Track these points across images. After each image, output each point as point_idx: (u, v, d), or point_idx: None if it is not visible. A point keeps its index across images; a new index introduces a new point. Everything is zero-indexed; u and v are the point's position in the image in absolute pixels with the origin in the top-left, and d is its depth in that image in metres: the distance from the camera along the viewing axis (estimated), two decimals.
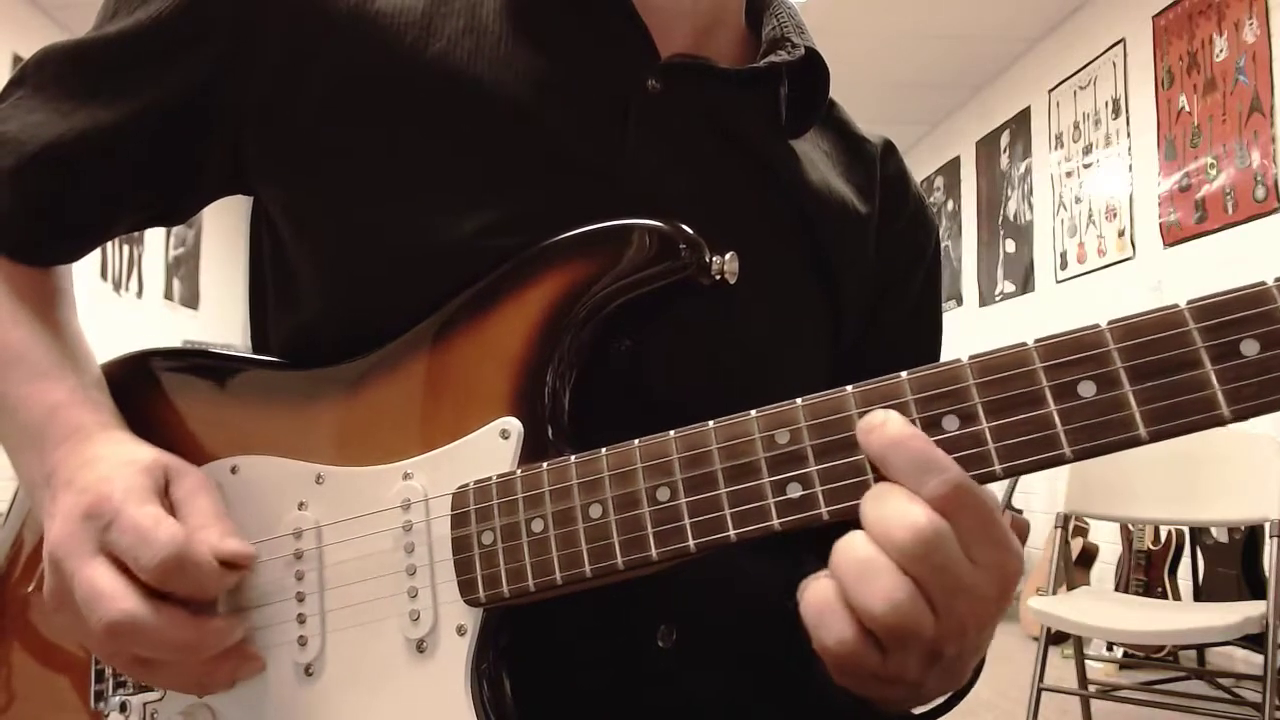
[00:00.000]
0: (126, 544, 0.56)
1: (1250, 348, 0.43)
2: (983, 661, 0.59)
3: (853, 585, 0.47)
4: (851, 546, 0.48)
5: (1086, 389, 0.46)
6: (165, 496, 0.60)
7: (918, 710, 0.60)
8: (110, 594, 0.55)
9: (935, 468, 0.47)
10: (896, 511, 0.47)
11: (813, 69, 0.72)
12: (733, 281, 0.59)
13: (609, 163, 0.66)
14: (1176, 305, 0.45)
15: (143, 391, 0.69)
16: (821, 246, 0.73)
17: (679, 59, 0.69)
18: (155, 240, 6.67)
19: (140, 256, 6.45)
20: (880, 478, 0.48)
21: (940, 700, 0.60)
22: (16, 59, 4.98)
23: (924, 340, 0.82)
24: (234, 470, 0.65)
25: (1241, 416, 0.44)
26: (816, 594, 0.49)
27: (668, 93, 0.68)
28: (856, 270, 0.75)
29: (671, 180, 0.67)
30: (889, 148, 0.81)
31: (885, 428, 0.48)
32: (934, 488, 0.47)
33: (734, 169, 0.71)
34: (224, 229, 7.63)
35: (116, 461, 0.61)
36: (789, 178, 0.73)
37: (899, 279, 0.79)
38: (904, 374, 0.49)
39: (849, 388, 0.50)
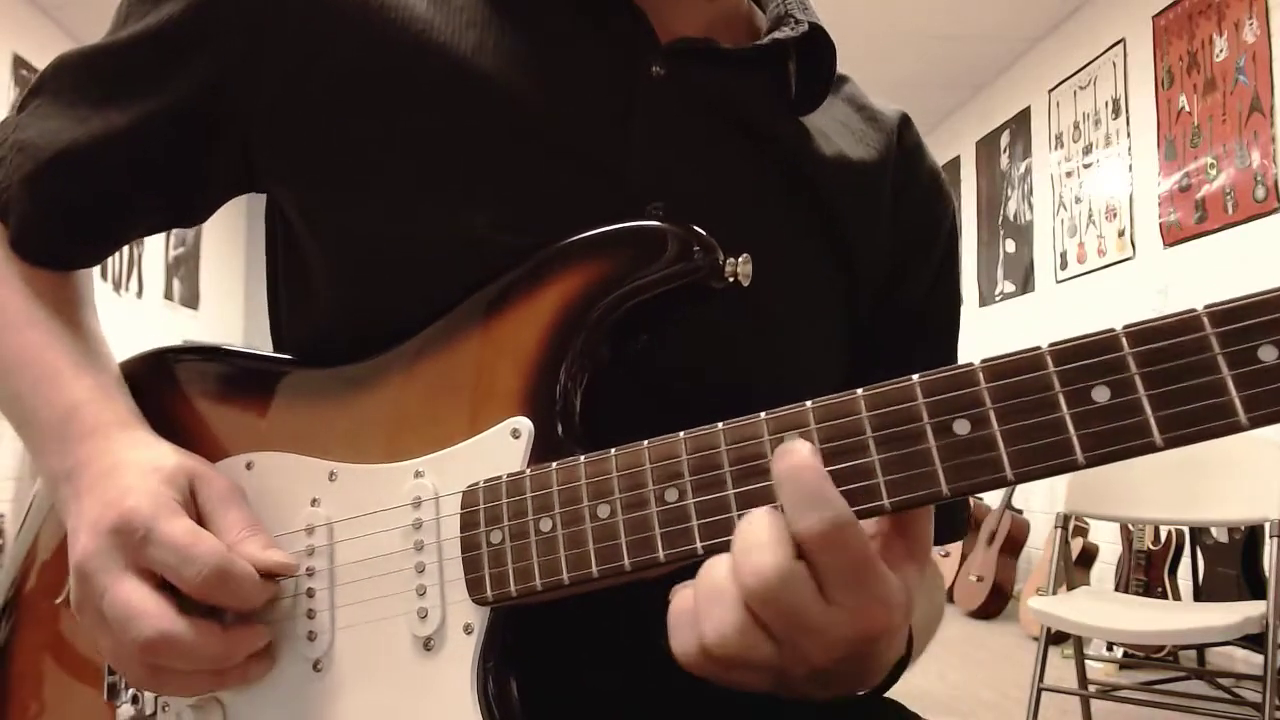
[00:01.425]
0: (167, 560, 0.57)
1: (1269, 354, 0.43)
2: (905, 659, 0.58)
3: (701, 607, 0.49)
4: (711, 570, 0.49)
5: (1100, 394, 0.45)
6: (192, 504, 0.60)
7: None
8: (145, 612, 0.56)
9: (819, 502, 0.47)
10: (752, 550, 0.47)
11: (818, 44, 0.72)
12: (746, 284, 0.59)
13: (617, 154, 0.66)
14: (1193, 310, 0.44)
15: (160, 388, 0.70)
16: (837, 222, 0.72)
17: (682, 42, 0.68)
18: (155, 240, 6.66)
19: (140, 256, 6.44)
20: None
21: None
22: (17, 59, 4.97)
23: (944, 314, 0.80)
24: (249, 466, 0.65)
25: (1259, 424, 0.43)
26: (678, 603, 0.50)
27: (671, 78, 0.68)
28: (874, 243, 0.74)
29: (680, 170, 0.67)
30: (905, 120, 0.80)
31: (789, 455, 0.48)
32: (811, 523, 0.47)
33: (744, 153, 0.71)
34: (224, 229, 7.63)
35: (139, 470, 0.60)
36: (801, 156, 0.72)
37: (917, 251, 0.78)
38: (915, 377, 0.49)
39: (859, 391, 0.50)
